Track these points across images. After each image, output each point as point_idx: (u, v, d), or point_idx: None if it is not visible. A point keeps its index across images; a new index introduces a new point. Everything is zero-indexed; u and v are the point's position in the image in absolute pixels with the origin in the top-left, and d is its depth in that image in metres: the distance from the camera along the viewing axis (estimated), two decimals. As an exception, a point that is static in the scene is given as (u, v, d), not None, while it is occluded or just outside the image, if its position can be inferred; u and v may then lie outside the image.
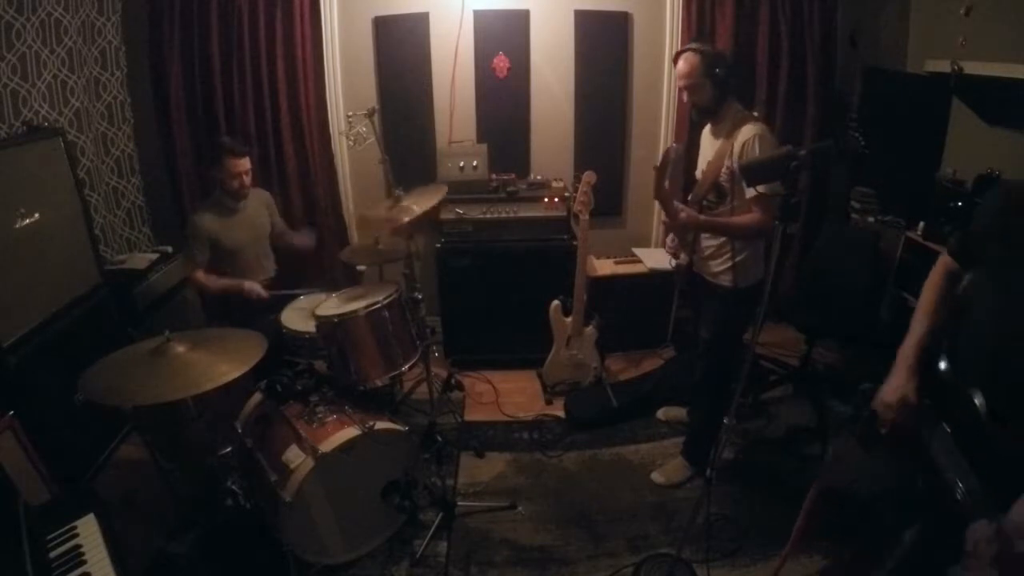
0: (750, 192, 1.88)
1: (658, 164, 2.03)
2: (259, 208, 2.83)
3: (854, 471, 1.57)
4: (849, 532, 1.79)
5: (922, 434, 1.27)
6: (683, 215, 2.07)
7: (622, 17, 3.26)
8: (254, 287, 2.64)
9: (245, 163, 2.63)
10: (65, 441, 2.27)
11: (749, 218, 1.99)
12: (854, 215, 3.15)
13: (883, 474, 1.47)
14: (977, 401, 1.19)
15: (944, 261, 1.41)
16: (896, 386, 1.31)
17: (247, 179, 2.66)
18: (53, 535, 1.43)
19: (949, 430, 1.23)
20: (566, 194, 3.17)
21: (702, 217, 2.10)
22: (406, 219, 2.23)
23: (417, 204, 2.29)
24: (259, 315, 2.51)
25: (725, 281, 2.15)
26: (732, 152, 1.99)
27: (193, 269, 2.68)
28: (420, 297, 2.48)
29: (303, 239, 3.00)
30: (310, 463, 1.86)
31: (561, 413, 2.95)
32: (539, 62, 3.32)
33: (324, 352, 2.25)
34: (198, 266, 2.66)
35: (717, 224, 2.10)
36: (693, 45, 2.06)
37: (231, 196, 2.67)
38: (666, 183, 2.05)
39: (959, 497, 1.15)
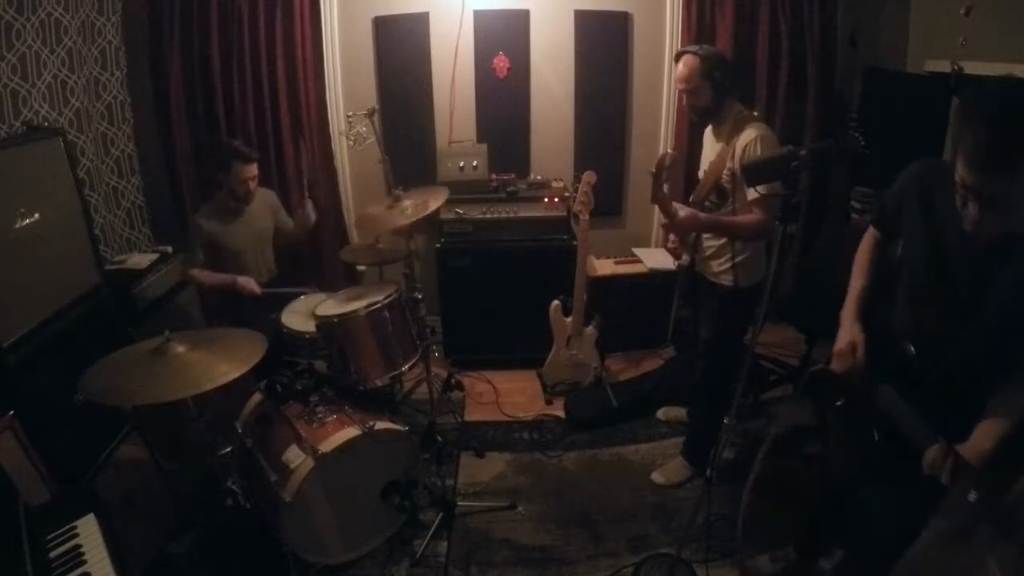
0: (751, 193, 1.88)
1: (653, 170, 2.03)
2: (263, 210, 2.82)
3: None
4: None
5: (870, 394, 1.41)
6: (682, 214, 2.07)
7: (622, 17, 3.26)
8: (248, 282, 2.63)
9: (253, 169, 2.63)
10: (65, 441, 2.28)
11: (750, 218, 1.99)
12: (854, 215, 3.13)
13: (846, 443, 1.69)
14: (909, 350, 1.39)
15: (871, 232, 1.63)
16: (843, 336, 1.47)
17: (254, 184, 2.66)
18: (53, 535, 1.43)
19: (890, 383, 1.38)
20: (566, 194, 3.17)
21: (702, 215, 2.09)
22: (407, 223, 2.23)
23: (418, 207, 2.29)
24: (258, 315, 2.50)
25: (726, 281, 2.15)
26: (734, 154, 1.99)
27: (191, 266, 2.68)
28: (420, 297, 2.49)
29: (303, 219, 2.89)
30: (310, 463, 1.86)
31: (561, 413, 2.95)
32: (539, 62, 3.32)
33: (324, 352, 2.25)
34: (196, 264, 2.66)
35: (717, 223, 2.10)
36: (692, 48, 2.05)
37: (236, 199, 2.66)
38: (664, 188, 2.05)
39: (912, 435, 1.28)
